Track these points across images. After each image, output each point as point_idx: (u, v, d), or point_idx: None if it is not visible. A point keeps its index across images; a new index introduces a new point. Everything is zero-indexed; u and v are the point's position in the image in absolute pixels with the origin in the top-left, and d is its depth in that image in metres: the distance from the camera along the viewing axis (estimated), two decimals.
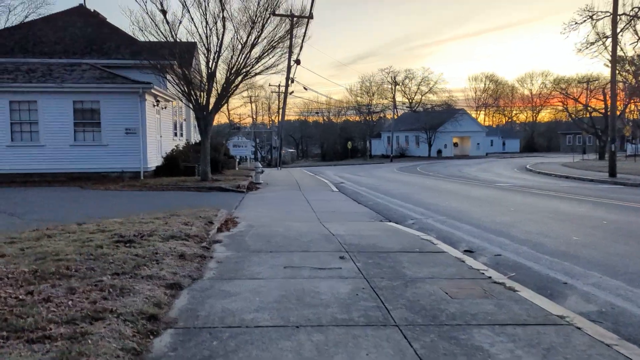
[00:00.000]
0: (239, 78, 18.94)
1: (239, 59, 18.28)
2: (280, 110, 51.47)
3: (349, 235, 8.01)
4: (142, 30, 18.12)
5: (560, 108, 62.14)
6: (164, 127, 22.71)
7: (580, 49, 29.54)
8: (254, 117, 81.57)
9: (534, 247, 7.56)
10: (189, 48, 20.31)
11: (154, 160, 20.46)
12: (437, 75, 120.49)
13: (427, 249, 7.09)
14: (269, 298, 4.66)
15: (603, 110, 46.84)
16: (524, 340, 3.72)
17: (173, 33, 18.02)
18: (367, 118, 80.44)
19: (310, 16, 24.65)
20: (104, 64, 21.38)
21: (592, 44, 28.64)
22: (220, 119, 67.89)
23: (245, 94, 65.89)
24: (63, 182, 18.04)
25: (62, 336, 3.40)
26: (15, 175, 18.35)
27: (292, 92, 45.44)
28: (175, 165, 20.75)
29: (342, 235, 8.04)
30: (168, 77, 19.21)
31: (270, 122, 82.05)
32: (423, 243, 7.52)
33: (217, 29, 18.01)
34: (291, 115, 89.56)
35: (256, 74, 19.58)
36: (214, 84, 18.75)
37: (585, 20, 27.58)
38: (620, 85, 38.96)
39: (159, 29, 17.92)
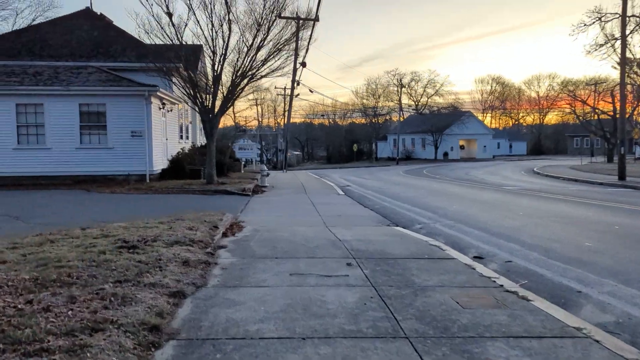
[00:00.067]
0: (245, 81, 18.88)
1: (245, 61, 18.24)
2: (286, 113, 51.40)
3: (356, 241, 7.87)
4: (148, 33, 18.16)
5: (567, 110, 61.82)
6: (169, 129, 22.65)
7: (590, 51, 29.46)
8: (260, 119, 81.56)
9: (545, 253, 7.39)
10: (195, 51, 20.29)
11: (160, 163, 20.40)
12: (444, 77, 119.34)
13: (436, 255, 6.94)
14: (275, 307, 4.53)
15: (611, 113, 46.45)
16: (540, 355, 3.55)
17: (179, 36, 18.04)
18: (373, 120, 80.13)
19: (316, 18, 24.55)
20: (110, 67, 21.37)
21: (601, 45, 28.52)
22: (226, 121, 67.87)
23: (251, 96, 66.17)
24: (69, 185, 18.01)
25: (60, 349, 3.28)
26: (22, 178, 18.35)
27: (298, 94, 45.25)
28: (181, 168, 20.69)
29: (349, 240, 7.91)
30: (174, 79, 19.16)
31: (276, 125, 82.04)
32: (432, 249, 7.37)
33: (222, 32, 18.00)
34: (297, 118, 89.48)
35: (262, 77, 19.55)
36: (220, 86, 18.69)
37: (594, 22, 27.42)
38: (629, 87, 38.58)
39: (165, 32, 17.95)
